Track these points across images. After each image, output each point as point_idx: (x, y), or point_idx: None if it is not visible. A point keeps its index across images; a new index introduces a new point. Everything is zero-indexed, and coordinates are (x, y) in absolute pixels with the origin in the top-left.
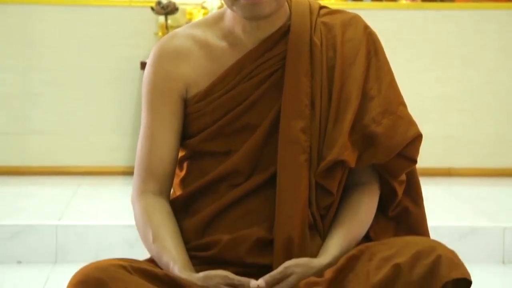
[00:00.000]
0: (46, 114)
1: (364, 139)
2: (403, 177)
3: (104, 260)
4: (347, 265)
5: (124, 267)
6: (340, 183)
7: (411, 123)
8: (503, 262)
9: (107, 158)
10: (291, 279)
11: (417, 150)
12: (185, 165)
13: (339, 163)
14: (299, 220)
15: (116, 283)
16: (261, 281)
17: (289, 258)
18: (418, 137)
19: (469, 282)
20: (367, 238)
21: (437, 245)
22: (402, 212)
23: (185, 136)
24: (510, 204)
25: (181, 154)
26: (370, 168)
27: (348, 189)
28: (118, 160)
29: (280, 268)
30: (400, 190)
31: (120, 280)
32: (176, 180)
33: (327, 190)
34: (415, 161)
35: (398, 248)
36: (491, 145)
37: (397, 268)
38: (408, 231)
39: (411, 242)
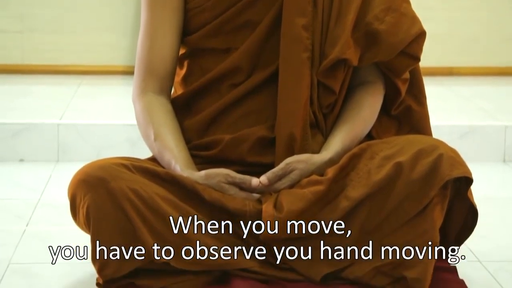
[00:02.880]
0: (45, 11)
1: (366, 37)
2: (407, 75)
3: (106, 159)
4: (348, 164)
5: (125, 166)
6: (344, 82)
7: (414, 20)
8: (504, 161)
9: (107, 57)
10: (292, 175)
11: (421, 48)
12: (185, 63)
13: (341, 62)
14: (300, 118)
15: (118, 181)
16: (263, 178)
17: (291, 156)
18: (422, 34)
19: (470, 180)
20: (369, 137)
21: (439, 143)
22: (404, 111)
23: (185, 33)
24: None
25: (181, 52)
26: (375, 67)
27: (353, 88)
28: (118, 59)
29: (282, 165)
30: (403, 88)
31: (122, 179)
32: (177, 79)
33: (329, 89)
34: (418, 59)
35: (399, 147)
36: (493, 44)
37: (398, 166)
38: (410, 129)
39: (413, 141)
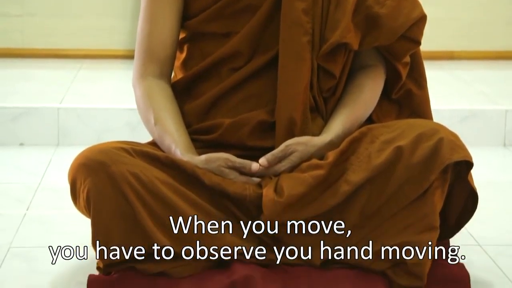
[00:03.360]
0: None
1: (367, 20)
2: (407, 59)
3: (106, 143)
4: (349, 148)
5: (126, 150)
6: (345, 66)
7: (415, 3)
8: (504, 145)
9: (108, 41)
10: (292, 157)
11: (421, 32)
12: (185, 47)
13: (342, 46)
14: (300, 102)
15: (118, 165)
16: (262, 160)
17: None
18: (422, 18)
19: (470, 164)
20: (369, 121)
21: (439, 127)
22: (405, 95)
23: (185, 17)
24: None
25: (181, 36)
26: (375, 51)
27: (354, 72)
28: (119, 43)
29: (281, 147)
30: (404, 72)
31: (122, 163)
32: (177, 63)
33: (329, 73)
34: (419, 43)
35: (400, 131)
36: (494, 28)
37: (398, 150)
38: (411, 113)
39: (414, 125)
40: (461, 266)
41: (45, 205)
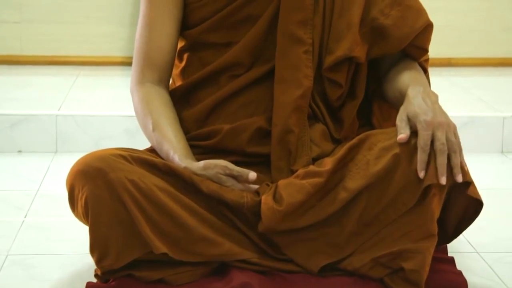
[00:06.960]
0: (44, 2)
1: (373, 32)
2: (427, 56)
3: (104, 150)
4: (347, 155)
5: (124, 157)
6: (359, 73)
7: (420, 12)
8: (502, 152)
9: (106, 48)
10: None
11: (428, 40)
12: (185, 56)
13: (348, 59)
14: (296, 110)
15: (116, 172)
16: (252, 174)
17: (286, 146)
18: (428, 27)
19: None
20: (369, 125)
21: None
22: None
23: (185, 27)
24: (511, 94)
25: (181, 45)
26: None
27: (391, 68)
28: (117, 50)
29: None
30: (426, 65)
31: (120, 170)
32: (176, 71)
33: (336, 82)
34: (426, 50)
35: None
36: (493, 34)
37: (396, 158)
38: None
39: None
40: (459, 274)
41: (43, 212)
